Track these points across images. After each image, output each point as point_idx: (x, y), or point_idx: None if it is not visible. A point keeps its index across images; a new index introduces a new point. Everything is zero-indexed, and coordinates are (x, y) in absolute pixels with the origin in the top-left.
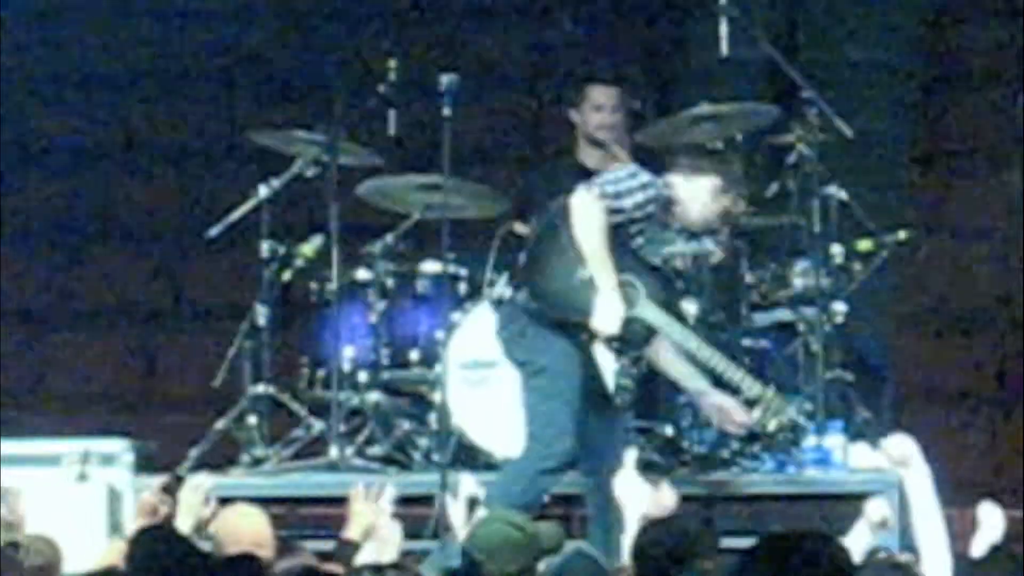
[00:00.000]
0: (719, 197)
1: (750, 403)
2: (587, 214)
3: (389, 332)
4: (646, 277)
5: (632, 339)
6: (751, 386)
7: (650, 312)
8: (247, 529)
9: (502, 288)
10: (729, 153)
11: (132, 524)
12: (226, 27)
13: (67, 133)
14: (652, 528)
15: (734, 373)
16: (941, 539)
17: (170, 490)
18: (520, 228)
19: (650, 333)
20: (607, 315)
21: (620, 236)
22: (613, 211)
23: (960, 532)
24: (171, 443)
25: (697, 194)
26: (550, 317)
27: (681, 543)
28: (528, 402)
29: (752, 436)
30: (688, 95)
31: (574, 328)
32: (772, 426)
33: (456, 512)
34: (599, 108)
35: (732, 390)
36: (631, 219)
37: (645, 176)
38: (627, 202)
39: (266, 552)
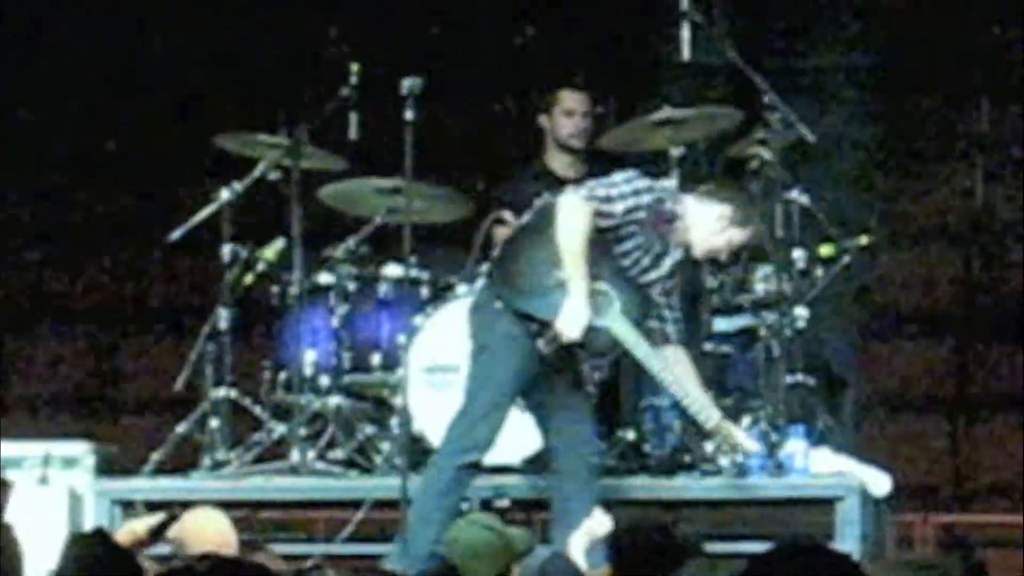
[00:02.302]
0: (727, 228)
1: (706, 435)
2: (573, 215)
3: (351, 336)
4: (624, 290)
5: (597, 348)
6: (708, 418)
7: (619, 325)
8: (213, 530)
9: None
10: (746, 187)
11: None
12: (188, 31)
13: (25, 138)
14: (633, 530)
15: (693, 403)
16: None
17: (163, 529)
18: (507, 216)
19: (616, 345)
20: (572, 319)
21: (606, 242)
22: (602, 214)
23: (921, 539)
24: (132, 446)
25: (704, 219)
26: (515, 308)
27: (665, 545)
28: (467, 379)
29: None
30: (649, 100)
31: (539, 326)
32: (724, 461)
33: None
34: (571, 113)
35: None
36: (620, 224)
37: (641, 182)
38: (618, 207)
39: (230, 553)
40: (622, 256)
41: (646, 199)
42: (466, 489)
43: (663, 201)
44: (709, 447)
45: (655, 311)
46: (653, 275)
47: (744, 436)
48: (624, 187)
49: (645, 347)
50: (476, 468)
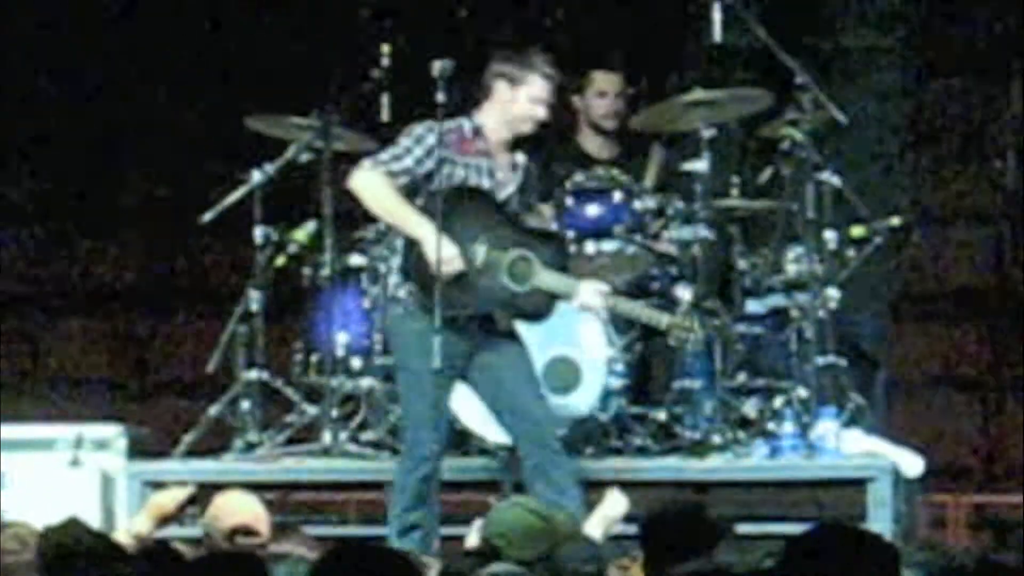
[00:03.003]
0: (516, 93)
1: (664, 333)
2: (367, 185)
3: (383, 318)
4: (537, 246)
5: (537, 310)
6: (659, 319)
7: (548, 279)
8: (246, 508)
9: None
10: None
11: (133, 518)
12: (220, 12)
13: (59, 119)
14: (663, 514)
15: (641, 311)
16: None
17: (190, 503)
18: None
19: (552, 300)
20: (443, 257)
21: (480, 202)
22: (395, 173)
23: (953, 520)
24: (164, 428)
25: (496, 108)
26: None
27: (697, 528)
28: (399, 393)
29: (744, 423)
30: (681, 81)
31: (472, 322)
32: (673, 341)
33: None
34: (603, 94)
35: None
36: (421, 173)
37: (421, 128)
38: (407, 161)
39: (263, 531)
40: (519, 218)
41: (431, 139)
42: (432, 498)
43: (457, 127)
44: (672, 341)
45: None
46: (509, 189)
47: (694, 320)
48: (405, 141)
49: (576, 285)
50: (433, 478)
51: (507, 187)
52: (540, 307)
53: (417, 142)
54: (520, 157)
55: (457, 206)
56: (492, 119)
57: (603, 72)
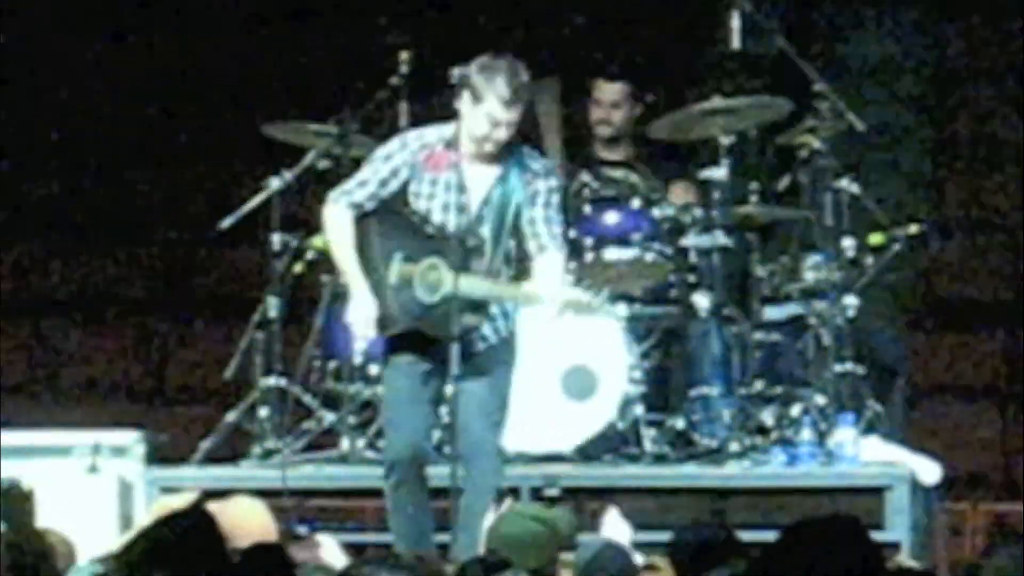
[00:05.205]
0: (475, 110)
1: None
2: (329, 224)
3: None
4: (443, 251)
5: (445, 330)
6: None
7: (464, 285)
8: (256, 521)
9: None
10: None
11: (142, 523)
12: (238, 19)
13: (76, 125)
14: (690, 528)
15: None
16: None
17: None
18: None
19: (476, 306)
20: (356, 318)
21: (399, 217)
22: (361, 203)
23: (972, 528)
24: (182, 435)
25: (466, 120)
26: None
27: (720, 540)
28: None
29: (761, 430)
30: (700, 89)
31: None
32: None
33: None
34: (598, 103)
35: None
36: (387, 194)
37: (390, 146)
38: (371, 187)
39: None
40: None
41: (401, 157)
42: (412, 502)
43: (429, 142)
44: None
45: (529, 228)
46: (478, 199)
47: (590, 296)
48: (373, 164)
49: (478, 283)
50: (402, 485)
51: (478, 199)
52: (444, 326)
53: (385, 160)
54: (497, 168)
55: (376, 225)
56: (463, 131)
57: (602, 80)
